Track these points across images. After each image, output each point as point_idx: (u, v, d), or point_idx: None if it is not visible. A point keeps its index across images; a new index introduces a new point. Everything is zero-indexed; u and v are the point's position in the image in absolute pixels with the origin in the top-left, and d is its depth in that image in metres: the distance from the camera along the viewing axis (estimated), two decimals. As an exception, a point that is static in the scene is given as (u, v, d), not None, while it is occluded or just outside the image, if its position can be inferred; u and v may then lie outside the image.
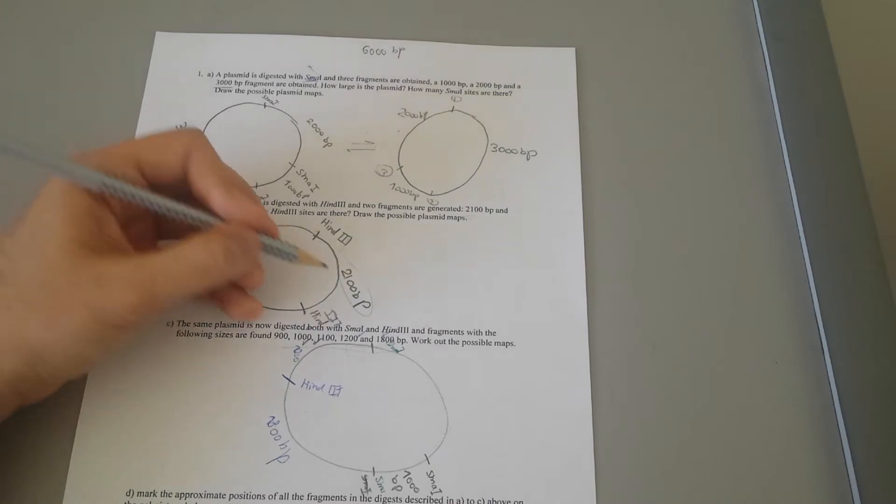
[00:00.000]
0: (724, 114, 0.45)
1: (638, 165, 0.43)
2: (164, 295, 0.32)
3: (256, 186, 0.41)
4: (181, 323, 0.38)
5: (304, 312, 0.38)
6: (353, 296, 0.39)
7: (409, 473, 0.35)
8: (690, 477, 0.36)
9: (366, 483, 0.35)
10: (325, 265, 0.39)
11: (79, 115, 0.43)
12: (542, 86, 0.45)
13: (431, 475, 0.35)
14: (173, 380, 0.37)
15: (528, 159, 0.43)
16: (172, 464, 0.35)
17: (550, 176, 0.42)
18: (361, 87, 0.44)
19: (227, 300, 0.37)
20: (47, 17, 0.46)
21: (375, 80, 0.44)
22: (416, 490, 0.35)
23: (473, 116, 0.44)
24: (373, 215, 0.41)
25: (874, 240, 0.37)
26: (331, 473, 0.35)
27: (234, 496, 0.35)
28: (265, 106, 0.43)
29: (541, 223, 0.41)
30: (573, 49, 0.46)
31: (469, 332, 0.38)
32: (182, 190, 0.34)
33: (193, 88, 0.44)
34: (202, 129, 0.42)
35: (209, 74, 0.44)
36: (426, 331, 0.38)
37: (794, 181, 0.43)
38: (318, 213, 0.41)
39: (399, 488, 0.35)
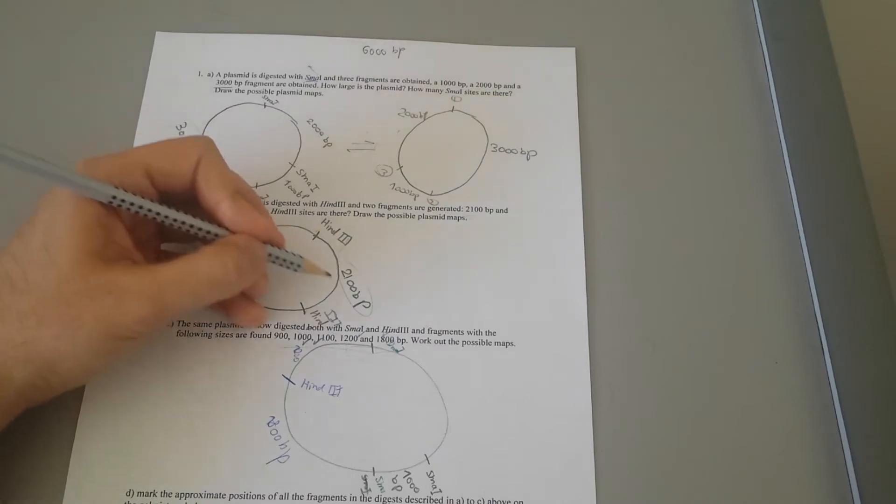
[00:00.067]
0: (724, 114, 0.45)
1: (638, 165, 0.43)
2: (175, 307, 0.32)
3: (256, 186, 0.41)
4: (181, 323, 0.38)
5: (304, 312, 0.38)
6: (353, 296, 0.39)
7: (409, 473, 0.35)
8: (690, 477, 0.36)
9: (366, 483, 0.35)
10: (328, 274, 0.39)
11: (79, 114, 0.43)
12: (542, 86, 0.45)
13: (431, 475, 0.35)
14: (173, 380, 0.37)
15: (528, 159, 0.43)
16: (172, 464, 0.35)
17: (550, 176, 0.42)
18: (361, 87, 0.44)
19: (232, 308, 0.37)
20: (47, 17, 0.46)
21: (375, 80, 0.44)
22: (416, 490, 0.35)
23: (473, 116, 0.44)
24: (373, 215, 0.41)
25: (874, 240, 0.37)
26: (331, 473, 0.35)
27: (234, 496, 0.35)
28: (265, 106, 0.43)
29: (541, 223, 0.41)
30: (573, 49, 0.46)
31: (469, 332, 0.38)
32: (188, 196, 0.34)
33: (193, 88, 0.44)
34: (202, 130, 0.42)
35: (209, 74, 0.44)
36: (426, 331, 0.38)
37: (794, 181, 0.43)
38: (318, 213, 0.41)
39: (399, 488, 0.35)
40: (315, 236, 0.40)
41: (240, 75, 0.44)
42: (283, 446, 0.36)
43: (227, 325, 0.38)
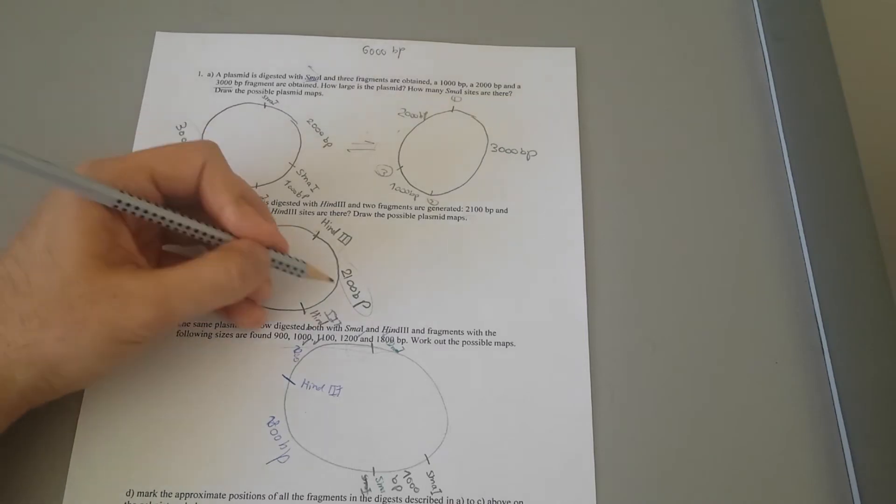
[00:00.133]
0: (724, 114, 0.45)
1: (638, 165, 0.43)
2: (179, 312, 0.32)
3: (256, 186, 0.41)
4: (181, 323, 0.38)
5: (304, 312, 0.38)
6: (353, 296, 0.39)
7: (409, 473, 0.35)
8: (690, 477, 0.36)
9: (366, 483, 0.35)
10: (331, 279, 0.39)
11: (79, 114, 0.43)
12: (542, 86, 0.45)
13: (431, 475, 0.35)
14: (173, 380, 0.37)
15: (528, 159, 0.43)
16: (172, 464, 0.35)
17: (550, 176, 0.42)
18: (361, 87, 0.44)
19: (232, 309, 0.37)
20: (47, 17, 0.46)
21: (375, 80, 0.44)
22: (416, 490, 0.35)
23: (473, 116, 0.44)
24: (373, 215, 0.41)
25: (874, 240, 0.37)
26: (331, 473, 0.35)
27: (234, 496, 0.35)
28: (265, 106, 0.43)
29: (541, 223, 0.41)
30: (573, 49, 0.46)
31: (469, 332, 0.38)
32: (193, 200, 0.34)
33: (193, 88, 0.44)
34: (202, 130, 0.42)
35: (209, 74, 0.44)
36: (426, 331, 0.38)
37: (794, 181, 0.43)
38: (318, 213, 0.41)
39: (399, 488, 0.35)
40: (315, 236, 0.40)
41: (240, 75, 0.44)
42: (283, 446, 0.36)
43: (227, 325, 0.38)
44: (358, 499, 0.35)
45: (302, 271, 0.37)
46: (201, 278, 0.32)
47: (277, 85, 0.44)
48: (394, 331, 0.38)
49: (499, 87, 0.45)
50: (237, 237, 0.34)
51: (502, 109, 0.44)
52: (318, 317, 0.38)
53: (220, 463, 0.35)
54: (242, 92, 0.44)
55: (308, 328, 0.38)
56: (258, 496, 0.35)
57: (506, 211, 0.41)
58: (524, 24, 0.47)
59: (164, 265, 0.33)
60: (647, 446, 0.37)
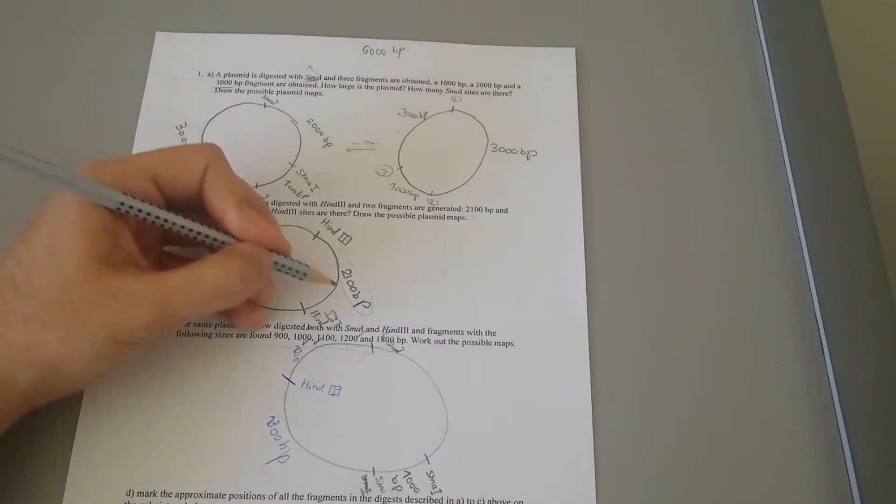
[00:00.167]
0: (724, 114, 0.45)
1: (638, 165, 0.43)
2: (179, 315, 0.32)
3: (257, 186, 0.41)
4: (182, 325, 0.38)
5: (304, 312, 0.38)
6: (353, 296, 0.39)
7: (409, 473, 0.35)
8: (690, 477, 0.36)
9: (366, 483, 0.35)
10: (334, 283, 0.39)
11: (79, 114, 0.43)
12: (542, 86, 0.45)
13: (431, 475, 0.35)
14: (173, 379, 0.37)
15: (528, 159, 0.43)
16: (172, 464, 0.35)
17: (550, 176, 0.42)
18: (361, 87, 0.44)
19: (233, 311, 0.37)
20: (47, 17, 0.46)
21: (375, 80, 0.44)
22: (416, 490, 0.35)
23: (473, 116, 0.44)
24: (373, 215, 0.41)
25: (874, 240, 0.37)
26: (331, 473, 0.35)
27: (234, 496, 0.35)
28: (265, 106, 0.43)
29: (541, 223, 0.41)
30: (573, 49, 0.46)
31: (469, 332, 0.38)
32: (195, 203, 0.34)
33: (193, 88, 0.44)
34: (202, 130, 0.42)
35: (209, 74, 0.44)
36: (426, 331, 0.38)
37: (794, 181, 0.43)
38: (318, 213, 0.41)
39: (399, 488, 0.35)
40: (315, 236, 0.40)
41: (240, 75, 0.44)
42: (283, 446, 0.36)
43: (227, 325, 0.38)
44: (358, 499, 0.35)
45: (304, 274, 0.37)
46: (203, 281, 0.32)
47: (277, 85, 0.44)
48: (394, 331, 0.38)
49: (499, 87, 0.45)
50: (240, 240, 0.34)
51: (502, 109, 0.44)
52: (318, 317, 0.38)
53: (219, 463, 0.35)
54: (242, 92, 0.44)
55: (308, 328, 0.38)
56: (258, 496, 0.35)
57: (506, 211, 0.41)
58: (524, 24, 0.47)
59: (166, 267, 0.33)
60: (647, 446, 0.37)
